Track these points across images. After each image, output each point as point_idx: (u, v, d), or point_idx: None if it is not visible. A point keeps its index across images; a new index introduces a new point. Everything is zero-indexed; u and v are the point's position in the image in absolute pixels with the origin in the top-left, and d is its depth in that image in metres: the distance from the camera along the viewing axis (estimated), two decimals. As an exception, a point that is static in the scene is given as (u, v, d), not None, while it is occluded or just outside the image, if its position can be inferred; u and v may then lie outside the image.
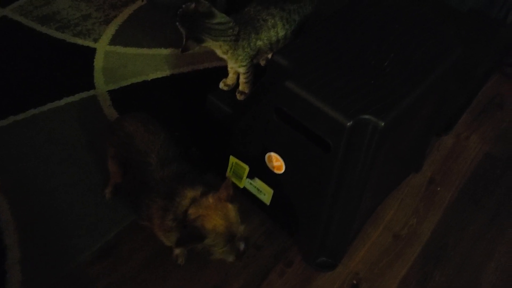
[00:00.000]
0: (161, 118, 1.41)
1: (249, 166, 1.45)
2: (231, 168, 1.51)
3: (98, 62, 1.94)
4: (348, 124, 1.11)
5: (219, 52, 1.33)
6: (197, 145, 1.68)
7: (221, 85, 1.50)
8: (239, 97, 1.46)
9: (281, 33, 1.37)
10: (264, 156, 1.38)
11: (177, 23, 1.26)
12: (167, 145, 1.32)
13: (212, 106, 1.50)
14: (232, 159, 1.48)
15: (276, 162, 1.36)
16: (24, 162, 1.59)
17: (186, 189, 1.19)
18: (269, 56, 1.49)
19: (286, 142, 1.30)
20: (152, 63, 1.96)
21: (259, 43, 1.34)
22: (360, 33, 1.31)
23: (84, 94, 1.82)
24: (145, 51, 2.01)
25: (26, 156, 1.61)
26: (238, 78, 1.47)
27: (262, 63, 1.51)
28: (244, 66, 1.36)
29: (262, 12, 1.33)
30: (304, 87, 1.16)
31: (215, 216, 1.12)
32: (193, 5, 1.24)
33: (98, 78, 1.88)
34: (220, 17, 1.26)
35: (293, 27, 1.39)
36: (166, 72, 1.93)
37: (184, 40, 1.26)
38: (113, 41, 2.02)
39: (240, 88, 1.45)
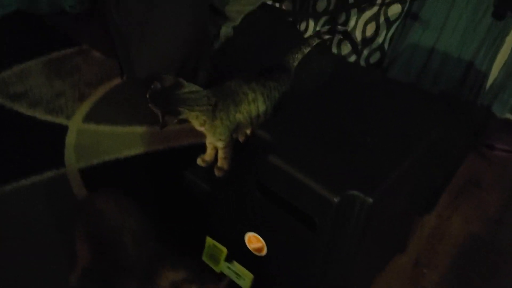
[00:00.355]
0: (135, 197, 1.33)
1: (228, 249, 1.36)
2: (207, 251, 1.41)
3: (70, 139, 1.87)
4: (336, 200, 1.05)
5: (196, 125, 1.29)
6: (174, 225, 1.58)
7: (198, 161, 1.44)
8: (217, 173, 1.40)
9: (262, 108, 1.35)
10: (244, 237, 1.30)
11: (150, 105, 1.23)
12: (142, 223, 1.23)
13: (189, 184, 1.43)
14: (209, 241, 1.39)
15: (257, 244, 1.28)
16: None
17: (167, 271, 1.09)
18: (248, 132, 1.46)
19: (268, 221, 1.23)
20: (126, 140, 1.90)
21: (239, 116, 1.30)
22: (340, 110, 1.30)
23: (52, 173, 1.73)
24: (119, 129, 1.96)
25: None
26: (216, 154, 1.42)
27: (241, 139, 1.47)
28: (222, 140, 1.31)
29: (243, 87, 1.32)
30: (288, 162, 1.12)
31: None
32: (158, 84, 1.22)
33: (69, 156, 1.80)
34: (189, 86, 1.25)
35: (273, 103, 1.37)
36: (140, 150, 1.87)
37: (161, 117, 1.22)
38: (87, 119, 1.97)
39: (219, 164, 1.40)
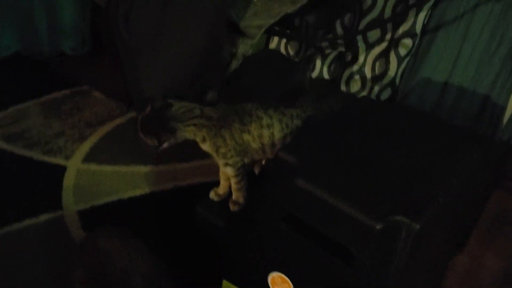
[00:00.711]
0: (141, 239, 1.19)
1: (248, 292, 1.20)
2: (224, 296, 1.25)
3: (68, 180, 1.73)
4: (378, 227, 0.91)
5: (200, 143, 1.20)
6: (185, 267, 1.42)
7: (211, 194, 1.31)
8: (232, 207, 1.26)
9: (278, 136, 1.23)
10: (267, 279, 1.14)
11: (141, 134, 1.19)
12: (152, 263, 1.08)
13: (201, 220, 1.29)
14: (226, 285, 1.23)
15: (283, 285, 1.12)
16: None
17: None
18: (263, 162, 1.33)
19: (295, 258, 1.08)
20: (129, 180, 1.77)
21: (247, 137, 1.19)
22: (362, 136, 1.18)
23: (49, 215, 1.58)
24: (121, 168, 1.83)
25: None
26: (230, 187, 1.29)
27: (257, 170, 1.34)
28: (231, 165, 1.19)
29: (258, 110, 1.21)
30: (319, 186, 0.98)
31: None
32: (147, 108, 1.18)
33: (67, 197, 1.66)
34: (179, 104, 1.19)
35: (294, 133, 1.26)
36: (145, 190, 1.73)
37: (156, 140, 1.14)
38: (87, 159, 1.85)
39: (234, 197, 1.26)
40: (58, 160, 1.82)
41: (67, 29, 2.47)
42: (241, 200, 1.25)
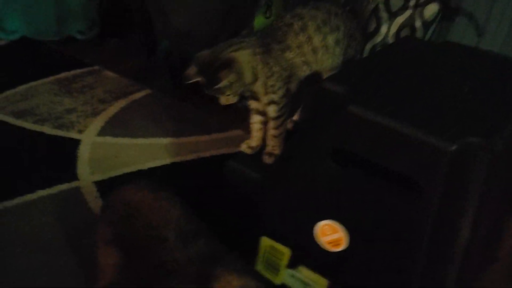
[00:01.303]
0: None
1: (290, 249, 1.07)
2: (263, 256, 1.12)
3: (83, 153, 1.62)
4: (451, 149, 0.79)
5: (251, 86, 1.05)
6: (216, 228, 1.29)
7: (243, 147, 1.19)
8: (267, 160, 1.14)
9: (317, 39, 1.08)
10: (314, 230, 1.01)
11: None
12: (188, 215, 0.96)
13: (234, 174, 1.16)
14: (265, 242, 1.11)
15: (333, 235, 0.99)
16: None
17: (228, 275, 0.81)
18: (296, 117, 1.22)
19: (348, 199, 0.95)
20: (148, 152, 1.65)
21: (288, 54, 1.06)
22: (420, 66, 1.06)
23: (64, 186, 1.46)
24: (140, 141, 1.71)
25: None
26: (264, 139, 1.17)
27: (290, 125, 1.22)
28: (276, 102, 1.07)
29: (285, 17, 1.09)
30: (376, 110, 0.86)
31: None
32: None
33: (82, 169, 1.54)
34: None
35: (339, 37, 1.11)
36: (165, 161, 1.62)
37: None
38: (102, 132, 1.73)
39: (269, 148, 1.14)
40: (71, 134, 1.71)
41: (75, 12, 2.37)
42: (277, 150, 1.13)
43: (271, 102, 1.07)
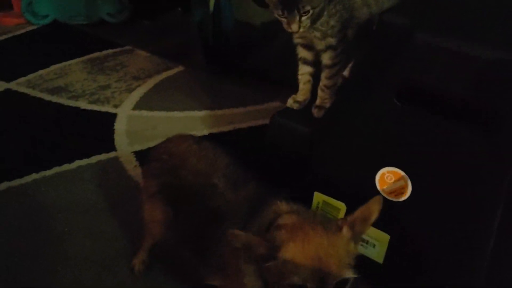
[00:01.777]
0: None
1: (346, 204, 1.00)
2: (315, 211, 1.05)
3: (120, 125, 1.58)
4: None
5: (314, 24, 0.98)
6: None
7: (289, 102, 1.13)
8: (317, 113, 1.07)
9: None
10: (374, 178, 0.94)
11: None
12: (235, 164, 0.90)
13: (279, 130, 1.10)
14: (318, 197, 1.03)
15: (396, 183, 0.92)
16: (23, 234, 1.13)
17: (280, 202, 0.75)
18: (346, 73, 1.14)
19: (413, 143, 0.87)
20: (185, 124, 1.60)
21: None
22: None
23: (102, 157, 1.42)
24: (176, 114, 1.66)
25: (26, 226, 1.16)
26: (311, 92, 1.10)
27: (346, 72, 1.15)
28: (333, 48, 1.00)
29: None
30: (447, 36, 0.78)
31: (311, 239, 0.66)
32: None
33: (120, 140, 1.50)
34: None
35: None
36: (203, 132, 1.56)
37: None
38: (138, 107, 1.69)
39: (319, 100, 1.07)
40: (107, 108, 1.67)
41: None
42: (328, 103, 1.07)
43: (329, 48, 1.00)
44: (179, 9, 2.59)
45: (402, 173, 0.90)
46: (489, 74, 0.75)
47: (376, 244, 0.98)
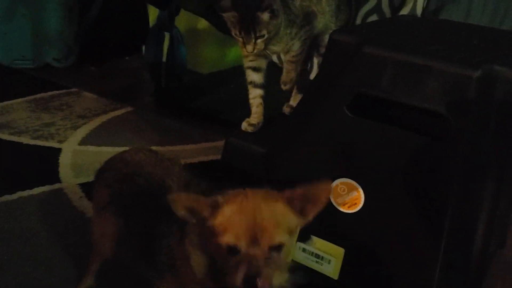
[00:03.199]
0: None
1: (301, 221, 1.00)
2: (271, 233, 1.04)
3: (65, 159, 1.53)
4: (476, 75, 0.77)
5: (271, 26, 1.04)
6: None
7: (244, 125, 1.15)
8: (284, 87, 1.17)
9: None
10: (328, 192, 0.95)
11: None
12: (188, 171, 0.90)
13: (234, 153, 1.10)
14: (274, 216, 1.03)
15: (349, 194, 0.93)
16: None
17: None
18: (292, 104, 1.20)
19: (365, 152, 0.90)
20: (134, 158, 1.57)
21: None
22: (426, 27, 1.07)
23: (45, 188, 1.36)
24: (124, 149, 1.62)
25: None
26: (263, 115, 1.15)
27: (287, 110, 1.19)
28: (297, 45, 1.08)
29: None
30: (393, 48, 0.84)
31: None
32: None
33: (65, 173, 1.45)
34: None
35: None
36: (153, 166, 1.53)
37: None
38: (84, 142, 1.65)
39: (284, 76, 1.15)
40: (51, 143, 1.62)
41: (51, 40, 2.34)
42: (292, 74, 1.14)
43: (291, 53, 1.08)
44: (127, 58, 2.61)
45: (354, 183, 0.92)
46: (436, 84, 0.80)
47: (332, 260, 0.98)
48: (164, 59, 1.98)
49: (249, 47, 1.03)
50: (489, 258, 1.01)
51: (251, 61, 1.11)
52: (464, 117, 0.79)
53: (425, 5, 2.16)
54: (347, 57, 0.89)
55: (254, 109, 1.14)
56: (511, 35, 1.14)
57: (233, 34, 1.04)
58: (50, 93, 2.05)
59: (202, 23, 2.37)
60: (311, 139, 0.96)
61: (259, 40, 1.03)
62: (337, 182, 0.94)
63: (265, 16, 1.00)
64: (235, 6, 1.00)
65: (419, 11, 2.18)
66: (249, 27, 1.01)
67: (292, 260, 1.02)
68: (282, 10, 1.04)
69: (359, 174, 0.91)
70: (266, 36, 1.03)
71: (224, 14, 1.01)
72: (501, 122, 0.79)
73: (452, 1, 2.11)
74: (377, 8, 2.22)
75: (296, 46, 1.08)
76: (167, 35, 1.94)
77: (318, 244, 0.99)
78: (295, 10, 1.06)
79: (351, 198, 0.93)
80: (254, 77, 1.13)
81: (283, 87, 1.13)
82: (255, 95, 1.13)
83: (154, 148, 1.63)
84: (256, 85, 1.13)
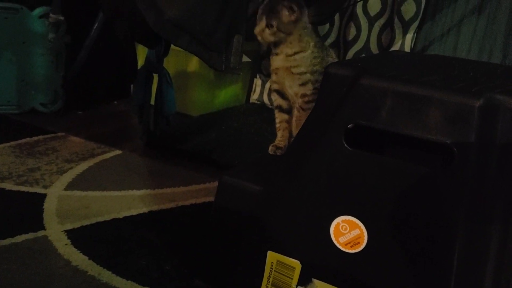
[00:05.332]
0: (143, 254, 1.13)
1: (301, 262, 0.95)
2: (269, 276, 0.98)
3: (50, 205, 1.47)
4: (478, 104, 0.75)
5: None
6: (201, 274, 1.15)
7: (271, 149, 1.13)
8: (271, 150, 1.13)
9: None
10: (328, 231, 0.91)
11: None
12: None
13: (229, 191, 1.06)
14: (272, 257, 0.98)
15: (352, 232, 0.89)
16: None
17: None
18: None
19: (365, 188, 0.86)
20: (123, 203, 1.52)
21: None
22: (419, 61, 1.06)
23: (29, 236, 1.29)
24: (112, 193, 1.58)
25: None
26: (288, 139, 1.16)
27: (271, 149, 1.16)
28: (311, 81, 1.07)
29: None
30: (391, 79, 0.82)
31: None
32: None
33: (49, 219, 1.39)
34: None
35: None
36: (142, 210, 1.48)
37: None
38: (70, 187, 1.59)
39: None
40: (35, 189, 1.56)
41: (37, 85, 2.31)
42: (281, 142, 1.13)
43: (307, 82, 1.07)
44: (115, 102, 2.59)
45: (357, 221, 0.88)
46: (437, 114, 0.77)
47: (334, 304, 0.92)
48: (152, 102, 1.96)
49: (257, 28, 1.06)
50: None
51: (274, 82, 1.12)
52: (468, 146, 0.76)
53: (412, 45, 2.20)
54: (344, 89, 0.86)
55: (280, 133, 1.15)
56: (503, 67, 1.13)
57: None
58: (35, 138, 2.00)
59: (192, 66, 2.37)
60: (310, 175, 0.92)
61: (267, 30, 1.05)
62: (338, 220, 0.90)
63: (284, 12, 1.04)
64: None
65: (407, 50, 2.20)
66: (270, 12, 1.04)
67: (292, 305, 0.96)
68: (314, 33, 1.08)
69: (361, 211, 0.87)
70: (275, 29, 1.04)
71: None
72: (506, 151, 0.76)
73: (439, 41, 2.15)
74: (366, 48, 2.25)
75: (310, 87, 1.06)
76: (156, 77, 1.93)
77: (320, 287, 0.94)
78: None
79: (353, 236, 0.89)
80: (279, 101, 1.14)
81: (272, 151, 1.13)
82: (281, 119, 1.14)
83: (144, 191, 1.59)
84: (281, 110, 1.14)
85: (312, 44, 1.07)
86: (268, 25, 1.05)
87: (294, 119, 1.11)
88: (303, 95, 1.08)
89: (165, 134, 2.00)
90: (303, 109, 1.08)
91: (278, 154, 1.12)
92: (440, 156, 0.83)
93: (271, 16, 1.04)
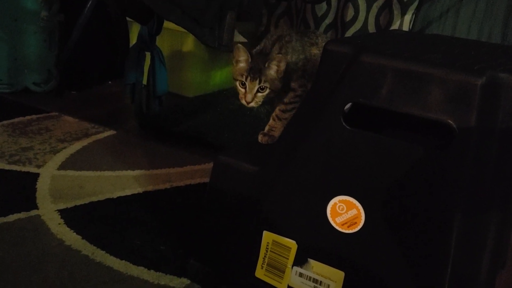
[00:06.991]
0: (137, 234, 1.12)
1: (297, 242, 0.94)
2: (264, 256, 0.97)
3: (43, 185, 1.45)
4: (480, 82, 0.73)
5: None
6: (197, 254, 1.13)
7: (261, 138, 1.10)
8: (262, 139, 1.07)
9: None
10: (325, 212, 0.90)
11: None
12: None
13: (224, 171, 1.04)
14: (268, 237, 0.97)
15: (349, 212, 0.88)
16: None
17: None
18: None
19: (363, 167, 0.85)
20: (117, 183, 1.50)
21: (315, 51, 1.04)
22: (418, 39, 1.04)
23: (21, 215, 1.27)
24: (106, 173, 1.56)
25: None
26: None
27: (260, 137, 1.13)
28: (293, 89, 1.03)
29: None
30: (391, 56, 0.80)
31: None
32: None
33: (43, 199, 1.37)
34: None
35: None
36: (137, 190, 1.47)
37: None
38: (63, 167, 1.57)
39: (268, 127, 1.06)
40: (28, 168, 1.54)
41: (30, 64, 2.28)
42: (276, 132, 1.05)
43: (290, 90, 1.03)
44: (109, 82, 2.56)
45: (354, 201, 0.86)
46: (438, 92, 0.76)
47: (331, 284, 0.92)
48: (144, 81, 1.93)
49: (249, 96, 1.01)
50: (494, 279, 0.95)
51: None
52: (469, 125, 0.74)
53: (411, 26, 2.17)
54: (343, 67, 0.84)
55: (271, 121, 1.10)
56: (504, 47, 1.11)
57: (237, 84, 1.02)
58: (28, 117, 1.98)
59: (187, 46, 2.34)
60: (307, 154, 0.91)
61: (259, 93, 1.00)
62: (335, 200, 0.88)
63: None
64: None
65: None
66: (257, 73, 0.99)
67: (288, 286, 0.95)
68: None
69: (359, 190, 0.86)
70: (267, 91, 1.00)
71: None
72: (507, 130, 0.74)
73: (437, 22, 2.12)
74: (364, 29, 2.22)
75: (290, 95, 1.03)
76: (148, 56, 1.90)
77: (316, 267, 0.93)
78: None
79: (350, 217, 0.88)
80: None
81: (261, 140, 1.08)
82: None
83: (138, 171, 1.57)
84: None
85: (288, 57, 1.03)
86: (260, 89, 1.00)
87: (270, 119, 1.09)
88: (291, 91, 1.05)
89: (160, 115, 1.98)
90: (279, 118, 1.06)
91: (265, 142, 1.08)
92: (440, 137, 0.81)
93: (261, 76, 1.00)
